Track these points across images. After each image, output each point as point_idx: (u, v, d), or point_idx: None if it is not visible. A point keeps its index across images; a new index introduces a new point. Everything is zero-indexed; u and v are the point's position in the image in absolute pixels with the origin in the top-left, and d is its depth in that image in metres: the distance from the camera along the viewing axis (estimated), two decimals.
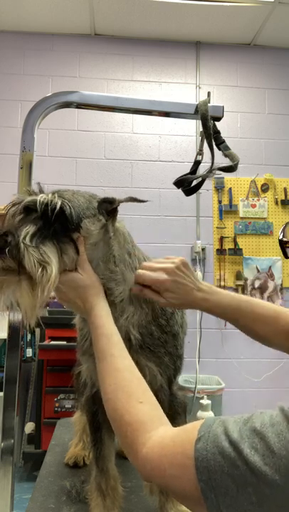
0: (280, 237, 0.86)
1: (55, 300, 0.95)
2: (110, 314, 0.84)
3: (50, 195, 0.84)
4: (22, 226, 0.80)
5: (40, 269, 0.77)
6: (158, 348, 0.99)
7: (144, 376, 0.76)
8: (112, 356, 0.76)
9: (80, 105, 1.18)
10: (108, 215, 0.91)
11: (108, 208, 0.91)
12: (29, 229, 0.80)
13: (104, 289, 0.89)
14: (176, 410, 1.04)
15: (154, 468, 0.61)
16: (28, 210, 0.84)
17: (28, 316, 0.82)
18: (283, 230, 0.85)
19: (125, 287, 0.94)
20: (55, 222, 0.82)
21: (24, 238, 0.78)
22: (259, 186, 3.63)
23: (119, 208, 0.92)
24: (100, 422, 1.04)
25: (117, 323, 0.84)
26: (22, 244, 0.77)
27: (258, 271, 3.53)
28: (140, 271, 0.94)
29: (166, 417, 0.70)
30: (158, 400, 0.73)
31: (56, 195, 0.84)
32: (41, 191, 0.88)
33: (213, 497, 0.53)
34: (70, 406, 2.80)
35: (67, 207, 0.83)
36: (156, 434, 0.64)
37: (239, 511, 0.52)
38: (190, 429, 0.60)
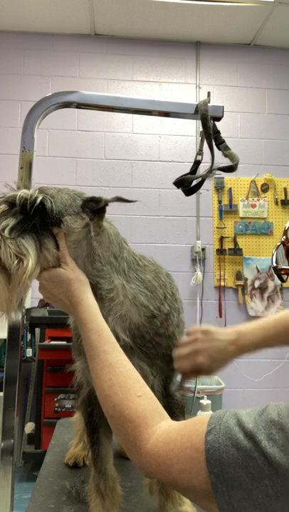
0: (274, 264, 0.85)
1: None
2: (98, 308, 0.81)
3: (31, 191, 0.84)
4: (1, 219, 0.80)
5: (16, 261, 0.77)
6: (150, 349, 0.98)
7: None
8: (105, 352, 0.74)
9: (80, 105, 1.18)
10: (94, 215, 0.90)
11: (94, 207, 0.90)
12: (8, 222, 0.80)
13: (93, 283, 0.88)
14: (173, 411, 1.03)
15: (160, 463, 0.59)
16: (11, 206, 0.84)
17: (4, 310, 0.81)
18: (276, 256, 0.85)
19: (114, 285, 0.93)
20: (35, 217, 0.82)
21: (2, 230, 0.78)
22: (259, 186, 3.63)
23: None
24: (96, 422, 1.03)
25: (107, 321, 0.82)
26: None
27: (258, 271, 3.53)
28: (177, 364, 0.97)
29: (165, 412, 0.68)
30: None
31: (38, 190, 0.85)
32: (26, 187, 0.88)
33: (224, 489, 0.52)
34: (70, 406, 2.80)
35: (48, 201, 0.83)
36: (159, 428, 0.63)
37: (252, 504, 0.50)
38: (198, 422, 0.59)
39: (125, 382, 0.70)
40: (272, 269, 0.87)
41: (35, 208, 0.81)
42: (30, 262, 0.78)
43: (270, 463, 0.49)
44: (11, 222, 0.80)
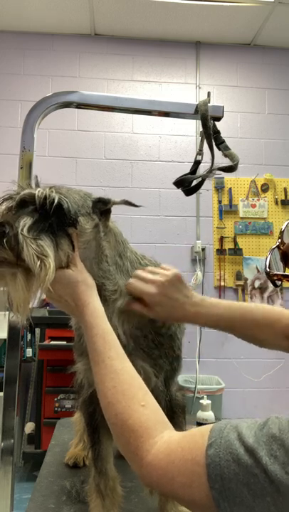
0: (267, 269, 0.83)
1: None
2: (104, 313, 0.80)
3: (47, 190, 0.83)
4: (19, 218, 0.78)
5: (39, 263, 0.75)
6: (152, 350, 0.97)
7: None
8: (110, 358, 0.72)
9: (80, 105, 1.18)
10: (101, 215, 0.91)
11: (102, 207, 0.90)
12: (26, 221, 0.78)
13: (98, 284, 0.87)
14: (174, 411, 1.03)
15: (160, 475, 0.58)
16: (23, 203, 0.82)
17: (20, 312, 0.79)
18: (269, 260, 0.83)
19: (118, 286, 0.93)
20: (53, 216, 0.80)
21: (22, 230, 0.76)
22: (259, 186, 3.63)
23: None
24: (97, 422, 1.03)
25: (110, 322, 0.81)
26: (21, 236, 0.75)
27: (258, 271, 3.53)
28: (130, 280, 0.93)
29: (168, 421, 0.67)
30: None
31: (54, 189, 0.84)
32: (37, 185, 0.87)
33: (226, 505, 0.51)
34: (70, 406, 2.81)
35: (65, 202, 0.82)
36: (160, 439, 0.62)
37: None
38: (198, 434, 0.58)
39: (129, 390, 0.68)
40: (264, 273, 0.85)
41: (54, 208, 0.80)
42: (52, 263, 0.76)
43: (272, 480, 0.49)
44: (28, 221, 0.78)
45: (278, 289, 3.53)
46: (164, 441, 0.61)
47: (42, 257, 0.75)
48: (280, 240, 0.83)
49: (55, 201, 0.80)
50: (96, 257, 0.90)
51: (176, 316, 0.93)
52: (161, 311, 0.91)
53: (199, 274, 3.43)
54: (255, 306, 0.95)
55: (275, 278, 0.83)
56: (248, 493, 0.50)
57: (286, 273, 0.82)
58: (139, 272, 0.94)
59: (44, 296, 0.85)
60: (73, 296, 0.81)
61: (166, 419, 0.67)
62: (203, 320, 0.93)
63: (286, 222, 0.84)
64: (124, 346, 0.88)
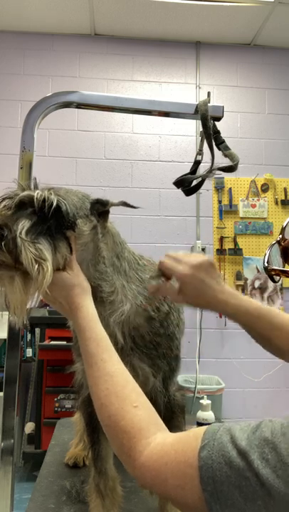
0: (265, 264, 0.83)
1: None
2: (97, 316, 0.80)
3: (46, 192, 0.82)
4: (18, 220, 0.78)
5: (36, 266, 0.75)
6: (150, 350, 0.97)
7: (137, 377, 0.72)
8: (103, 361, 0.72)
9: (80, 105, 1.18)
10: (99, 216, 0.90)
11: (100, 209, 0.90)
12: (25, 224, 0.77)
13: (94, 286, 0.87)
14: (173, 411, 1.03)
15: (154, 477, 0.59)
16: (22, 205, 0.81)
17: (17, 314, 0.80)
18: (268, 255, 0.83)
19: (115, 287, 0.93)
20: (51, 219, 0.80)
21: (20, 233, 0.76)
22: (259, 186, 3.63)
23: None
24: (96, 422, 1.03)
25: (105, 323, 0.80)
26: (19, 239, 0.75)
27: (258, 271, 3.53)
28: (163, 258, 0.92)
29: (162, 423, 0.67)
30: (152, 401, 0.70)
31: (52, 191, 0.83)
32: (36, 187, 0.86)
33: (218, 508, 0.52)
34: (70, 406, 2.81)
35: (63, 204, 0.82)
36: (154, 440, 0.61)
37: None
38: (192, 436, 0.58)
39: (122, 391, 0.68)
40: (263, 269, 0.85)
41: (52, 210, 0.80)
42: (50, 267, 0.76)
43: (263, 484, 0.49)
44: (26, 224, 0.78)
45: (278, 288, 3.53)
46: (158, 443, 0.61)
47: (40, 261, 0.76)
48: (280, 236, 0.83)
49: (54, 204, 0.80)
50: (93, 259, 0.89)
51: (204, 300, 0.91)
52: (189, 293, 0.90)
53: None
54: (277, 310, 0.95)
55: (273, 273, 0.82)
56: (239, 496, 0.50)
57: (284, 268, 0.82)
58: (172, 253, 0.93)
59: (41, 297, 0.85)
60: (67, 299, 0.81)
61: (160, 420, 0.67)
62: (231, 310, 0.91)
63: (288, 219, 0.84)
64: (121, 347, 0.87)
